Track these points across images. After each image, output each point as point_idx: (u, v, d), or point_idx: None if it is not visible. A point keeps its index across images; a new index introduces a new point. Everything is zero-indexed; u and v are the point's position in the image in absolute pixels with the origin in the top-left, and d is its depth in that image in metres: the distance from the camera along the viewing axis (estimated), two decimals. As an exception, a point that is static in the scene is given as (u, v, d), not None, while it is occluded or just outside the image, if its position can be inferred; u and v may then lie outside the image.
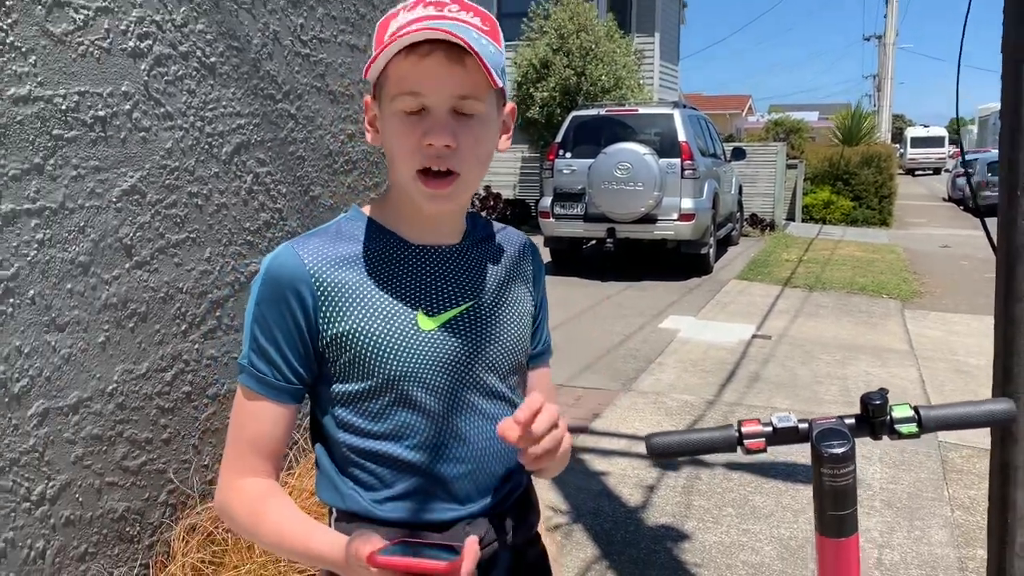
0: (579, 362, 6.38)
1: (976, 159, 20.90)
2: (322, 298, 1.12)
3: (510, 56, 16.06)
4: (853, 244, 13.63)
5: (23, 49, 1.99)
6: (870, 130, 21.74)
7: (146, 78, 2.35)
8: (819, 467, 1.52)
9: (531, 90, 14.64)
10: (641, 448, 4.69)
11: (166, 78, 2.42)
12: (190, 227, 2.53)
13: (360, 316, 1.12)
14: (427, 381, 1.14)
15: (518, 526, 1.25)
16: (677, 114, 10.45)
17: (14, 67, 1.96)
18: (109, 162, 2.24)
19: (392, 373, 1.12)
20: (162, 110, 2.41)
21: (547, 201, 10.59)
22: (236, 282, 2.73)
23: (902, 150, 33.90)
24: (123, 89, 2.28)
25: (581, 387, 5.75)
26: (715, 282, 10.04)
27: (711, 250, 10.71)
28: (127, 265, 2.31)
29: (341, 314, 1.12)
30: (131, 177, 2.31)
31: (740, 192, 13.84)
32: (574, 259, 11.25)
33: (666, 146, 10.18)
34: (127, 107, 2.29)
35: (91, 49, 2.17)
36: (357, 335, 1.11)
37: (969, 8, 2.00)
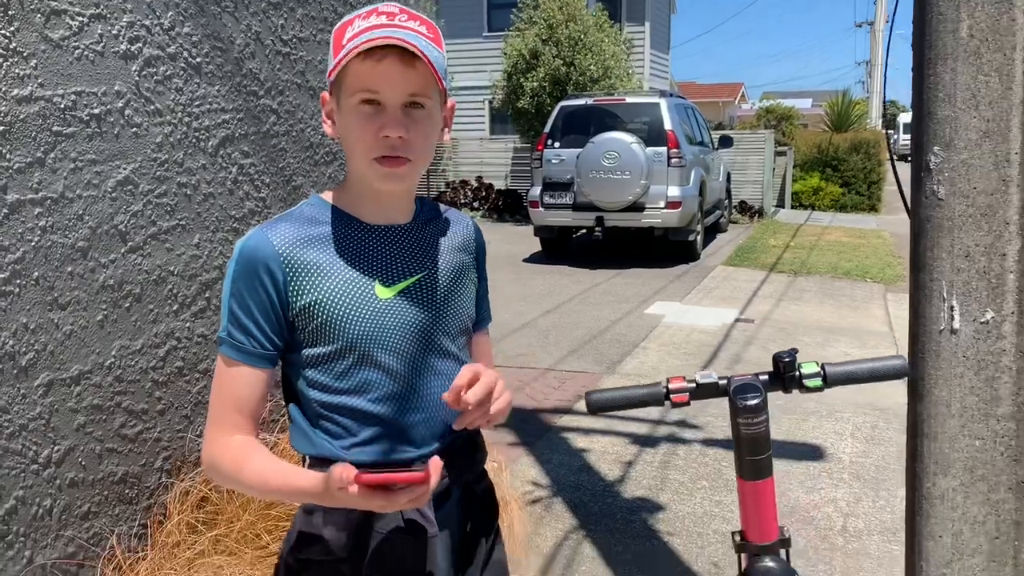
0: (565, 347, 6.55)
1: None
2: (291, 275, 1.27)
3: (500, 47, 16.18)
4: (840, 230, 13.76)
5: (25, 54, 2.19)
6: (860, 116, 21.82)
7: (137, 78, 2.55)
8: (736, 418, 1.72)
9: (521, 80, 14.74)
10: (622, 425, 4.89)
11: (155, 78, 2.62)
12: (180, 215, 2.73)
13: (325, 289, 1.29)
14: (385, 343, 1.31)
15: (467, 464, 1.44)
16: (663, 103, 10.55)
17: (17, 70, 2.17)
18: (104, 155, 2.44)
19: (354, 337, 1.30)
20: (152, 107, 2.61)
21: (536, 191, 10.70)
22: (223, 266, 2.93)
23: (896, 136, 33.94)
24: (116, 88, 2.48)
25: (567, 370, 5.93)
26: (702, 269, 10.19)
27: (698, 237, 10.82)
28: (122, 250, 2.51)
29: (308, 288, 1.28)
30: (124, 169, 2.51)
31: (728, 180, 13.94)
32: (563, 248, 11.37)
33: (653, 135, 10.28)
34: (120, 105, 2.49)
35: (86, 52, 2.37)
36: (323, 305, 1.28)
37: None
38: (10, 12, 2.13)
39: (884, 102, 2.80)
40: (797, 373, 1.75)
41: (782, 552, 1.82)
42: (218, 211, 2.91)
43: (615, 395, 1.78)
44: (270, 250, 1.27)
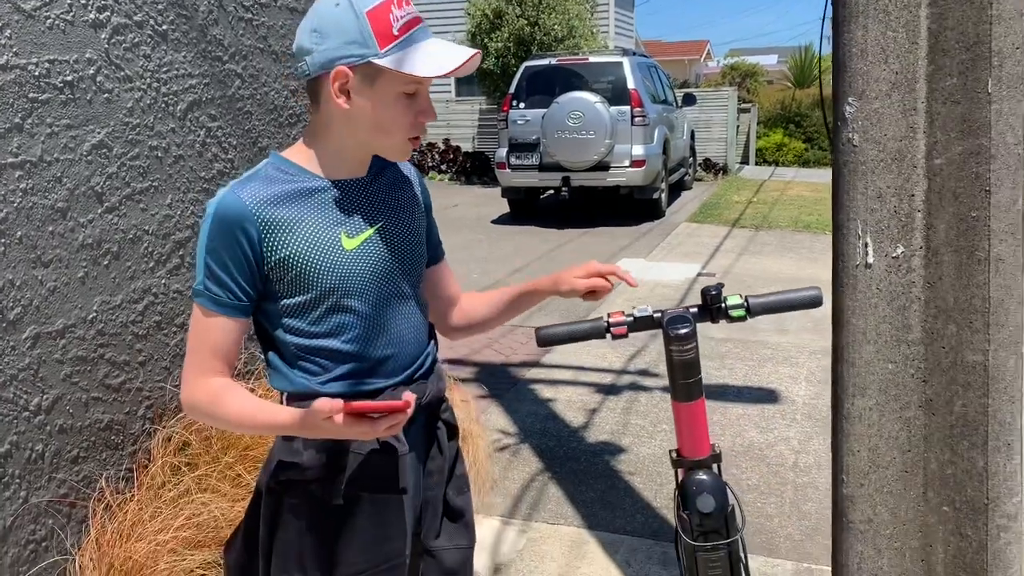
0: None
1: None
2: (264, 232, 1.38)
3: (464, 6, 16.07)
4: (803, 184, 14.00)
5: (-1, 24, 2.30)
6: (826, 71, 21.93)
7: (106, 46, 2.66)
8: (669, 346, 1.92)
9: (485, 41, 14.69)
10: (587, 376, 5.10)
11: (124, 45, 2.73)
12: (152, 176, 2.86)
13: (296, 243, 1.42)
14: (355, 289, 1.46)
15: (431, 390, 1.60)
16: (626, 62, 10.65)
17: (-8, 40, 2.28)
18: (79, 120, 2.56)
19: (326, 286, 1.44)
20: (122, 74, 2.72)
21: (503, 152, 10.78)
22: (195, 225, 3.07)
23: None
24: (87, 56, 2.59)
25: (534, 326, 6.12)
26: (667, 225, 10.37)
27: (663, 195, 10.99)
28: (99, 210, 2.64)
29: (281, 243, 1.41)
30: (98, 133, 2.63)
31: (692, 137, 14.09)
32: (531, 208, 11.48)
33: (616, 94, 10.40)
34: (91, 72, 2.61)
35: (57, 22, 2.48)
36: (296, 259, 1.42)
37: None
38: (-17, -16, 2.24)
39: (819, 57, 2.96)
40: (723, 305, 1.94)
41: (714, 466, 2.02)
42: (188, 172, 3.03)
43: (561, 330, 1.96)
44: (244, 209, 1.38)
